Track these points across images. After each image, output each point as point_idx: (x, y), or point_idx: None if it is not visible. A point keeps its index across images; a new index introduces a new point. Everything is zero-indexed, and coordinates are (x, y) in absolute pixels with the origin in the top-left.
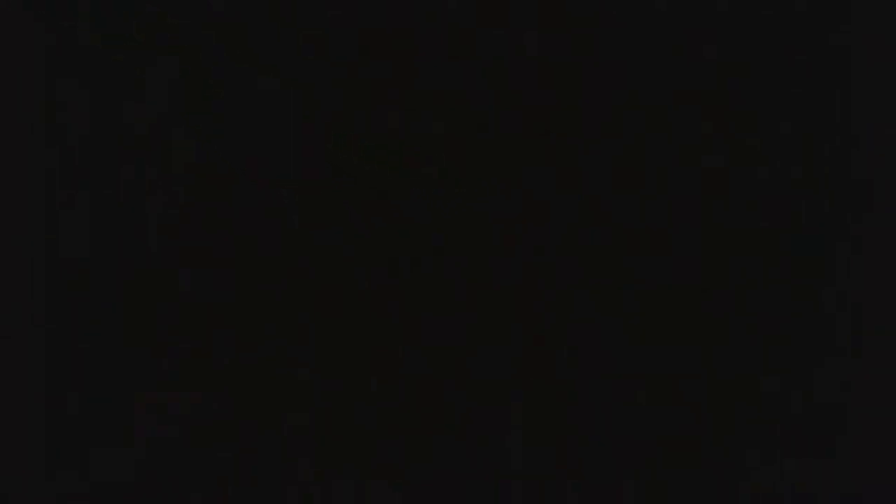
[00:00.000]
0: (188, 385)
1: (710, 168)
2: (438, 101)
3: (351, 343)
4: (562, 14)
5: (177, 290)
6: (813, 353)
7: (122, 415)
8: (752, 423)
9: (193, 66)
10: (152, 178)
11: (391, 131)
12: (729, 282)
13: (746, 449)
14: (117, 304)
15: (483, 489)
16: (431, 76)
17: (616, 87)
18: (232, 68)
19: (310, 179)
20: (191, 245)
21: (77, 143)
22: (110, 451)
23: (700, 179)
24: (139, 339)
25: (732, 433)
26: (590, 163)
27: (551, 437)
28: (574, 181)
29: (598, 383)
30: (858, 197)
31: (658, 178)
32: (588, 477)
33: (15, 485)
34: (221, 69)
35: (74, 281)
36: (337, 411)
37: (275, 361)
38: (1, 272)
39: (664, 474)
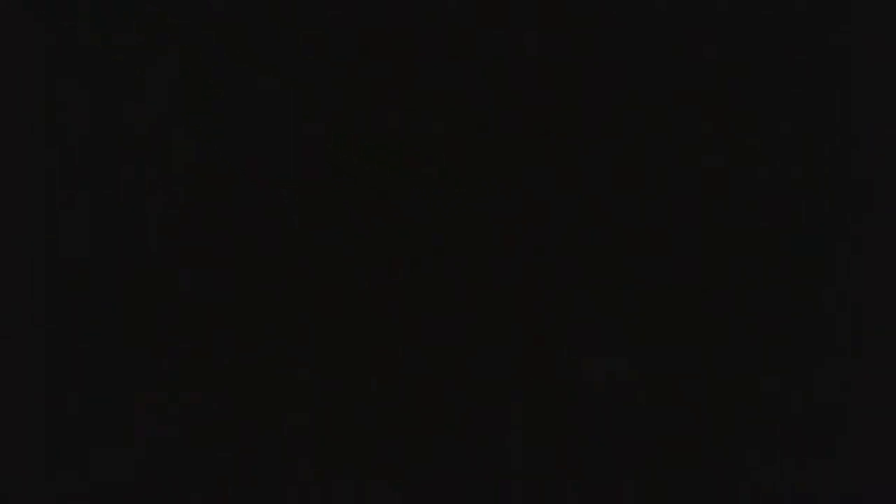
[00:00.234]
0: (188, 385)
1: (710, 168)
2: (438, 101)
3: (351, 343)
4: (562, 14)
5: (177, 290)
6: (813, 353)
7: (122, 415)
8: (752, 423)
9: (193, 66)
10: (152, 178)
11: (391, 131)
12: (729, 282)
13: (746, 449)
14: (117, 304)
15: (483, 489)
16: (431, 76)
17: (616, 87)
18: (232, 68)
19: (310, 179)
20: (191, 245)
21: (77, 143)
22: (110, 451)
23: (700, 179)
24: (139, 339)
25: (732, 433)
26: (590, 163)
27: (551, 437)
28: (574, 181)
29: (598, 383)
30: (858, 197)
31: (658, 178)
32: (588, 477)
33: (15, 485)
34: (221, 69)
35: (74, 281)
36: (337, 411)
37: (275, 361)
38: (1, 272)
39: (664, 474)
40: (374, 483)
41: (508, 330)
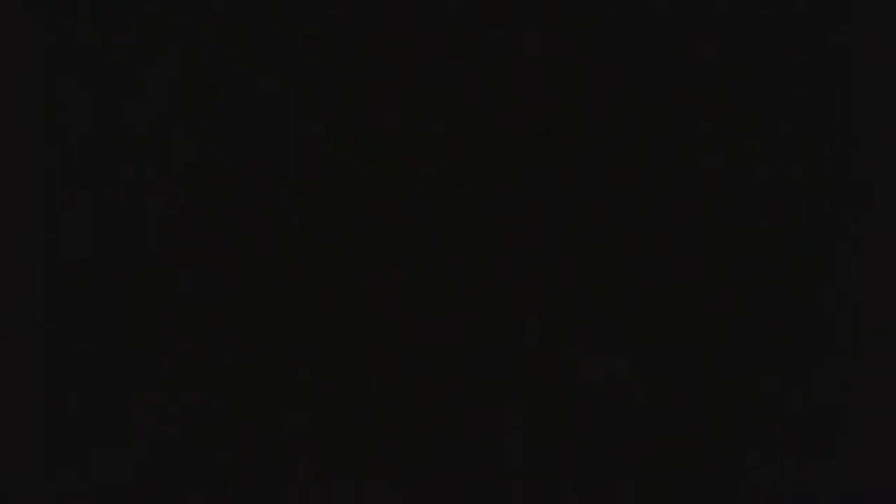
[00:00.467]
0: (188, 385)
1: (710, 168)
2: (438, 101)
3: (351, 343)
4: (562, 14)
5: (177, 290)
6: (813, 353)
7: (122, 415)
8: (752, 423)
9: (193, 66)
10: (152, 178)
11: (391, 131)
12: (729, 282)
13: (746, 449)
14: (117, 304)
15: (483, 489)
16: (431, 76)
17: (616, 87)
18: (232, 68)
19: (310, 179)
20: (191, 245)
21: (77, 143)
22: (110, 451)
23: (700, 179)
24: (139, 339)
25: (732, 433)
26: (590, 163)
27: (551, 437)
28: (574, 181)
29: (598, 383)
30: (858, 197)
31: (658, 178)
32: (588, 477)
33: (15, 485)
34: (221, 69)
35: (74, 281)
36: (337, 411)
37: (275, 361)
38: (1, 272)
39: (664, 474)
40: (374, 483)
41: (508, 330)
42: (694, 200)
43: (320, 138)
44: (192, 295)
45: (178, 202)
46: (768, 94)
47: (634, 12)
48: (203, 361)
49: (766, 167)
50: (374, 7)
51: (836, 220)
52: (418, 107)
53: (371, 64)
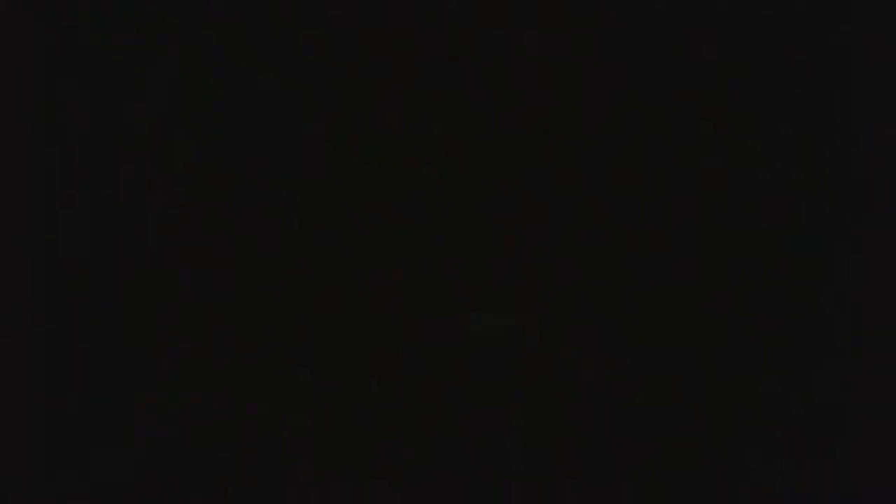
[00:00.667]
0: (188, 385)
1: (710, 168)
2: (438, 101)
3: (351, 343)
4: (562, 14)
5: (177, 290)
6: (813, 353)
7: (122, 415)
8: (752, 423)
9: (193, 66)
10: (152, 178)
11: (391, 131)
12: (729, 282)
13: (746, 449)
14: (117, 304)
15: (483, 489)
16: (431, 76)
17: (616, 87)
18: (232, 68)
19: (310, 179)
20: (191, 245)
21: (77, 143)
22: (110, 451)
23: (700, 179)
24: (139, 339)
25: (732, 433)
26: (590, 163)
27: (551, 437)
28: (574, 181)
29: (598, 383)
30: (858, 197)
31: (658, 178)
32: (588, 477)
33: (15, 485)
34: (221, 69)
35: (74, 281)
36: (337, 411)
37: (275, 361)
38: (1, 272)
39: (664, 474)
40: (374, 483)
41: (508, 330)
42: (694, 200)
43: (320, 138)
44: (192, 295)
45: (178, 202)
46: (768, 94)
47: (634, 12)
48: (203, 361)
49: (766, 167)
50: (374, 7)
51: (836, 220)
52: (418, 107)
53: (371, 64)
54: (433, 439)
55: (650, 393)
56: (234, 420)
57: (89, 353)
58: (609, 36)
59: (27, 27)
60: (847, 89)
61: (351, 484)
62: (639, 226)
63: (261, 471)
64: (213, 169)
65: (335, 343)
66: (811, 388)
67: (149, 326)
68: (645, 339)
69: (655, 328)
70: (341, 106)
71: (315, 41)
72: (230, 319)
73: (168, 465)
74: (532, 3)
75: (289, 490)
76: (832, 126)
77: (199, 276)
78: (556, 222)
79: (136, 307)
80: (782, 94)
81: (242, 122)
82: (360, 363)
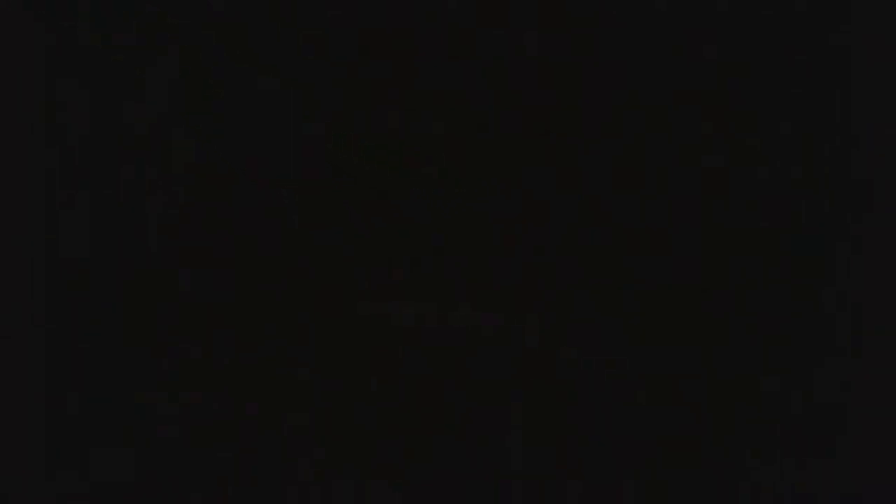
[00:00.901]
0: (188, 385)
1: (710, 168)
2: (438, 101)
3: (351, 343)
4: (562, 14)
5: (177, 290)
6: (813, 353)
7: (122, 415)
8: (752, 423)
9: (193, 66)
10: (152, 178)
11: (391, 131)
12: (729, 282)
13: (746, 449)
14: (117, 304)
15: (483, 489)
16: (431, 76)
17: (616, 87)
18: (232, 68)
19: (310, 179)
20: (191, 245)
21: (77, 143)
22: (110, 451)
23: (700, 179)
24: (139, 339)
25: (732, 433)
26: (590, 163)
27: (551, 437)
28: (574, 181)
29: (598, 383)
30: (858, 197)
31: (658, 178)
32: (588, 477)
33: (15, 485)
34: (221, 69)
35: (74, 281)
36: (337, 411)
37: (275, 361)
38: (1, 272)
39: (664, 474)
40: (374, 483)
41: (508, 330)
42: (694, 200)
43: (320, 138)
44: (192, 295)
45: (178, 202)
46: (768, 94)
47: (634, 12)
48: (203, 361)
49: (766, 167)
50: (374, 7)
51: (836, 220)
52: (418, 107)
53: (371, 64)
54: (433, 439)
55: (650, 393)
56: (234, 420)
57: (89, 353)
58: (609, 36)
59: (27, 27)
60: (847, 89)
61: (351, 484)
62: (639, 226)
63: (261, 471)
64: (213, 169)
65: (335, 343)
66: (811, 388)
67: (149, 326)
68: (645, 339)
69: (655, 328)
70: (341, 106)
71: (315, 41)
72: (230, 319)
73: (168, 465)
74: (532, 3)
75: (289, 490)
76: (832, 126)
77: (199, 276)
78: (556, 222)
79: (136, 307)
80: (782, 94)
81: (242, 122)
82: (360, 363)
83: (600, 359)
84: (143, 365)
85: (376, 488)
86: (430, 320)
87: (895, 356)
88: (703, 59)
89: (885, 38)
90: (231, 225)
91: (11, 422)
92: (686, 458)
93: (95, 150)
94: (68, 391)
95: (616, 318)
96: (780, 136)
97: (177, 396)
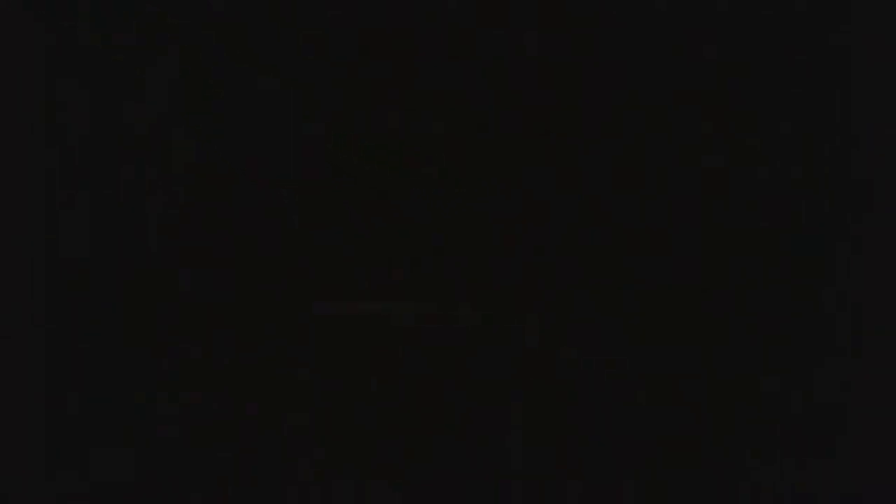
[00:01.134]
0: (188, 385)
1: (710, 168)
2: (438, 101)
3: (351, 343)
4: (562, 14)
5: (177, 290)
6: (813, 353)
7: (122, 415)
8: (752, 423)
9: (193, 66)
10: (152, 178)
11: (391, 131)
12: (729, 282)
13: (746, 449)
14: (117, 304)
15: (483, 489)
16: (431, 76)
17: (616, 87)
18: (232, 68)
19: (310, 179)
20: (191, 245)
21: (77, 143)
22: (110, 451)
23: (700, 179)
24: (139, 339)
25: (732, 433)
26: (590, 163)
27: (551, 437)
28: (574, 181)
29: (598, 383)
30: (858, 197)
31: (658, 178)
32: (588, 477)
33: (15, 485)
34: (221, 69)
35: (74, 281)
36: (337, 411)
37: (275, 361)
38: (1, 272)
39: (664, 474)
40: (374, 483)
41: (509, 330)
42: (694, 200)
43: (320, 138)
44: (192, 295)
45: (178, 202)
46: (768, 94)
47: (634, 12)
48: (203, 361)
49: (766, 167)
50: (374, 7)
51: (836, 220)
52: (418, 107)
53: (371, 64)
54: (433, 439)
55: (650, 393)
56: (234, 420)
57: (89, 353)
58: (609, 36)
59: (27, 27)
60: (847, 89)
61: (351, 484)
62: (639, 226)
63: (261, 471)
64: (213, 169)
65: (336, 343)
66: (811, 388)
67: (149, 326)
68: (645, 339)
69: (655, 328)
70: (341, 106)
71: (315, 41)
72: (230, 319)
73: (168, 465)
74: (532, 3)
75: (289, 490)
76: (832, 126)
77: (199, 276)
78: (556, 222)
79: (136, 307)
80: (782, 94)
81: (242, 122)
82: (360, 363)
83: (600, 359)
84: (143, 365)
85: (376, 488)
86: (430, 320)
87: (895, 356)
88: (703, 59)
89: (885, 38)
90: (231, 225)
91: (11, 422)
92: (686, 458)
93: (95, 150)
94: (68, 391)
95: (616, 318)
96: (780, 136)
97: (177, 396)
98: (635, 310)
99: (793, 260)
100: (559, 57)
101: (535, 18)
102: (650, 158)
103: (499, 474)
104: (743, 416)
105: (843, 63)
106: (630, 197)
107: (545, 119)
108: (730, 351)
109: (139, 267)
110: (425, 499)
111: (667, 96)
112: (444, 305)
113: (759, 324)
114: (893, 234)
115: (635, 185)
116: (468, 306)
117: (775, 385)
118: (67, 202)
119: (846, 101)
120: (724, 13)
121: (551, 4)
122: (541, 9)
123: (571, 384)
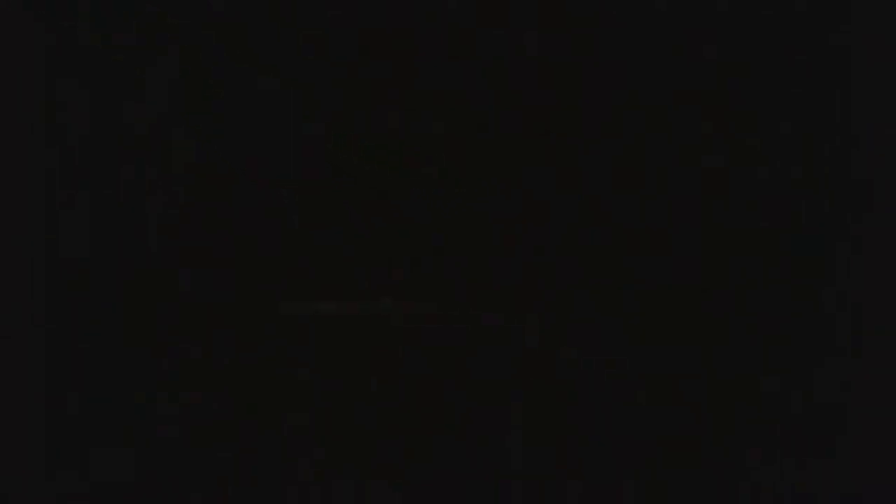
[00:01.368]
0: (188, 385)
1: (710, 168)
2: (438, 101)
3: (351, 342)
4: (562, 14)
5: (177, 290)
6: (813, 353)
7: (122, 415)
8: (752, 423)
9: (193, 66)
10: (152, 178)
11: (391, 131)
12: (729, 282)
13: (746, 449)
14: (117, 304)
15: (483, 489)
16: (431, 76)
17: (616, 87)
18: (232, 68)
19: (310, 179)
20: (191, 245)
21: (77, 143)
22: (110, 451)
23: (700, 179)
24: (139, 339)
25: (732, 433)
26: (590, 163)
27: (551, 437)
28: (574, 181)
29: (598, 383)
30: (858, 197)
31: (658, 178)
32: (588, 477)
33: (15, 485)
34: (221, 69)
35: (74, 281)
36: (337, 411)
37: (274, 361)
38: (1, 272)
39: (664, 474)
40: (374, 483)
41: (509, 329)
42: (694, 200)
43: (320, 138)
44: (192, 295)
45: (178, 202)
46: (768, 94)
47: (634, 12)
48: (203, 361)
49: (767, 167)
50: (374, 7)
51: (836, 220)
52: (418, 107)
53: (371, 64)
54: (433, 439)
55: (650, 393)
56: (234, 420)
57: (89, 353)
58: (609, 36)
59: (27, 27)
60: (847, 89)
61: (351, 484)
62: (639, 226)
63: (261, 471)
64: (213, 169)
65: (336, 343)
66: (811, 388)
67: (149, 326)
68: (645, 339)
69: (655, 328)
70: (341, 106)
71: (315, 41)
72: (230, 319)
73: (168, 465)
74: (532, 3)
75: (289, 490)
76: (832, 126)
77: (199, 276)
78: (555, 222)
79: (136, 307)
80: (782, 94)
81: (242, 122)
82: (360, 363)
83: (600, 359)
84: (143, 365)
85: (376, 488)
86: (430, 320)
87: (895, 356)
88: (703, 59)
89: (885, 38)
90: (231, 225)
91: (11, 422)
92: (686, 458)
93: (95, 150)
94: (68, 391)
95: (616, 318)
96: (780, 136)
97: (177, 396)
98: (635, 310)
99: (793, 260)
100: (559, 57)
101: (535, 18)
102: (650, 158)
103: (499, 474)
104: (743, 415)
105: (843, 63)
106: (630, 197)
107: (545, 119)
108: (730, 351)
109: (139, 267)
110: (425, 499)
111: (667, 96)
112: (444, 305)
113: (759, 324)
114: (893, 234)
115: (635, 185)
116: (468, 306)
117: (775, 385)
118: (67, 202)
119: (846, 101)
120: (724, 13)
121: (551, 4)
122: (541, 9)
123: (571, 384)
